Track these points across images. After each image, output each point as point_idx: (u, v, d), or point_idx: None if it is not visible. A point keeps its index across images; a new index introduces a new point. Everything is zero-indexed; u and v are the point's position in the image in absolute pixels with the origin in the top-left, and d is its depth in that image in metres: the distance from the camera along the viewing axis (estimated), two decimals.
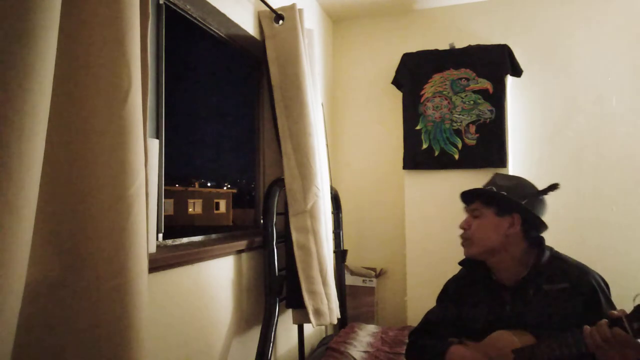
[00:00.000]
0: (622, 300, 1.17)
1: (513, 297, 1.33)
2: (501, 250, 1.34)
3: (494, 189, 1.36)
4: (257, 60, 2.38)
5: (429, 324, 1.51)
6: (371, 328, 2.54)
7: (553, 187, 1.38)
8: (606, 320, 1.02)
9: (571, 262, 1.33)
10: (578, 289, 1.24)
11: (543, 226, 1.36)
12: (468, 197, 1.43)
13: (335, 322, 2.19)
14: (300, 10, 2.17)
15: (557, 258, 1.34)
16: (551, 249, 1.37)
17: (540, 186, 1.39)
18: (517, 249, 1.34)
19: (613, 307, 1.22)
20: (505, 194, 1.34)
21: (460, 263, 1.50)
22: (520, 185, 1.39)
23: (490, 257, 1.37)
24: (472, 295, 1.43)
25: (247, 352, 1.95)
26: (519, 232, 1.33)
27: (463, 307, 1.43)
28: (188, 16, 1.86)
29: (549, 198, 1.41)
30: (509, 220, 1.33)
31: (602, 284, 1.27)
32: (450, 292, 1.51)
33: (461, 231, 1.42)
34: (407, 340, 1.58)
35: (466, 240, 1.40)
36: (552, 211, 2.92)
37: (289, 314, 2.16)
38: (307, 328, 2.40)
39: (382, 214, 3.12)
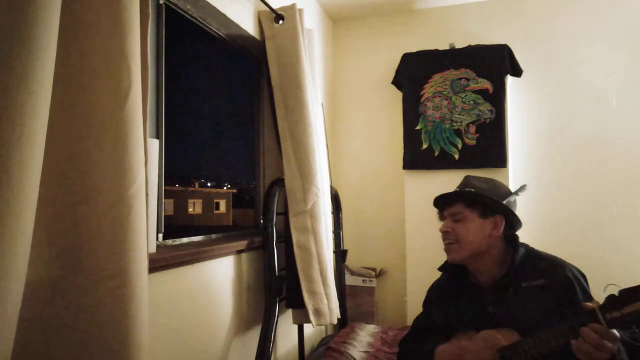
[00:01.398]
0: None
1: (493, 298, 1.33)
2: (485, 253, 1.34)
3: (473, 190, 1.36)
4: (257, 60, 2.38)
5: (416, 331, 1.52)
6: (371, 328, 2.54)
7: (523, 187, 1.42)
8: (586, 329, 1.02)
9: (546, 258, 1.34)
10: (555, 283, 1.26)
11: (519, 225, 1.38)
12: (446, 200, 1.42)
13: (335, 322, 2.19)
14: (300, 10, 2.17)
15: (533, 254, 1.36)
16: (526, 245, 1.38)
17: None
18: (496, 250, 1.35)
19: (590, 298, 1.23)
20: (487, 196, 1.35)
21: (439, 269, 1.50)
22: (496, 187, 1.41)
23: (473, 261, 1.36)
24: (454, 299, 1.43)
25: (247, 352, 1.95)
26: (501, 233, 1.34)
27: (447, 312, 1.43)
28: (188, 16, 1.86)
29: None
30: (492, 221, 1.34)
31: (579, 276, 1.28)
32: (434, 298, 1.52)
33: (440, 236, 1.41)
34: None
35: (453, 245, 1.37)
36: (552, 210, 2.92)
37: (289, 314, 2.16)
38: (307, 328, 2.40)
39: (382, 214, 3.12)
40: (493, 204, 1.34)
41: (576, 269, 1.30)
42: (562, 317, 1.13)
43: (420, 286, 2.82)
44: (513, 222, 1.37)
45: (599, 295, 1.10)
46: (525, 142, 2.85)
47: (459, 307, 1.40)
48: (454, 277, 1.46)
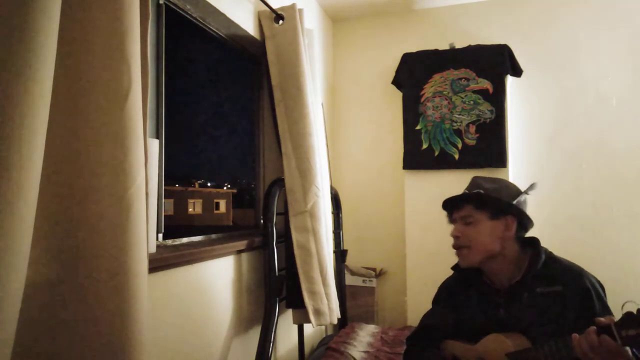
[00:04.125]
0: (621, 301, 1.17)
1: (507, 301, 1.31)
2: (498, 255, 1.32)
3: (482, 192, 1.33)
4: (257, 60, 2.38)
5: (424, 328, 1.50)
6: (371, 328, 2.54)
7: (533, 185, 1.38)
8: (594, 327, 1.01)
9: (565, 264, 1.31)
10: (572, 291, 1.23)
11: (531, 225, 1.36)
12: (454, 203, 1.39)
13: (335, 322, 2.19)
14: (300, 10, 2.17)
15: (552, 260, 1.33)
16: (545, 250, 1.35)
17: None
18: (511, 251, 1.33)
19: (607, 309, 1.21)
20: (496, 196, 1.32)
21: (453, 268, 1.48)
22: (505, 187, 1.38)
23: (487, 263, 1.34)
24: (465, 299, 1.41)
25: (247, 352, 1.95)
26: (514, 234, 1.32)
27: (457, 311, 1.41)
28: (188, 16, 1.86)
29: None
30: (504, 222, 1.32)
31: (597, 286, 1.25)
32: (444, 296, 1.50)
33: (452, 241, 1.38)
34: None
35: (464, 249, 1.35)
36: (552, 211, 2.92)
37: (289, 314, 2.16)
38: (307, 328, 2.40)
39: (382, 214, 3.12)
40: (502, 205, 1.32)
41: (595, 279, 1.27)
42: (576, 326, 1.09)
43: (420, 286, 2.85)
44: (525, 222, 1.34)
45: (615, 306, 1.07)
46: (525, 142, 2.85)
47: (470, 307, 1.39)
48: (466, 277, 1.44)
